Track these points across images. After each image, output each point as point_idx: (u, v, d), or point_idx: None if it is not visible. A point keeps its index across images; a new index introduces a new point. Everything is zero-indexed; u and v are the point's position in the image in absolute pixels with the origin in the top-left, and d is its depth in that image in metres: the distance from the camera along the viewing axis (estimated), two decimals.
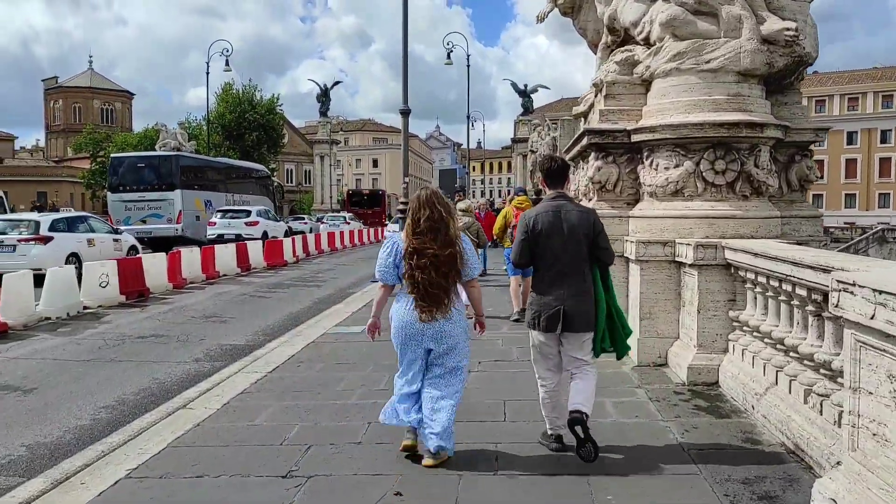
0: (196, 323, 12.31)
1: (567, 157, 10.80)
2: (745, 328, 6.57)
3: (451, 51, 40.64)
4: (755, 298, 6.39)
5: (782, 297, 5.63)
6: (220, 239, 28.50)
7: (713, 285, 6.92)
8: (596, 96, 9.34)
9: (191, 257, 18.30)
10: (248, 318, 12.87)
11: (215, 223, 31.61)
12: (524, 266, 5.31)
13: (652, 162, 8.06)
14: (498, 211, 20.02)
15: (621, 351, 5.27)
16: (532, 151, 44.65)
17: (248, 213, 32.87)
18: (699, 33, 7.82)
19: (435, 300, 4.66)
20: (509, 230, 11.12)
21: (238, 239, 27.43)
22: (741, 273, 6.61)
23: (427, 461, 4.80)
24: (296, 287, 18.15)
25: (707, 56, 7.71)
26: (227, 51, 42.77)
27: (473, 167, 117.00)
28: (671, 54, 7.88)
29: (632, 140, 8.23)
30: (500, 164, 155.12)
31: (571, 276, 4.98)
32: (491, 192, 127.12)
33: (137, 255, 18.61)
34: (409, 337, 4.76)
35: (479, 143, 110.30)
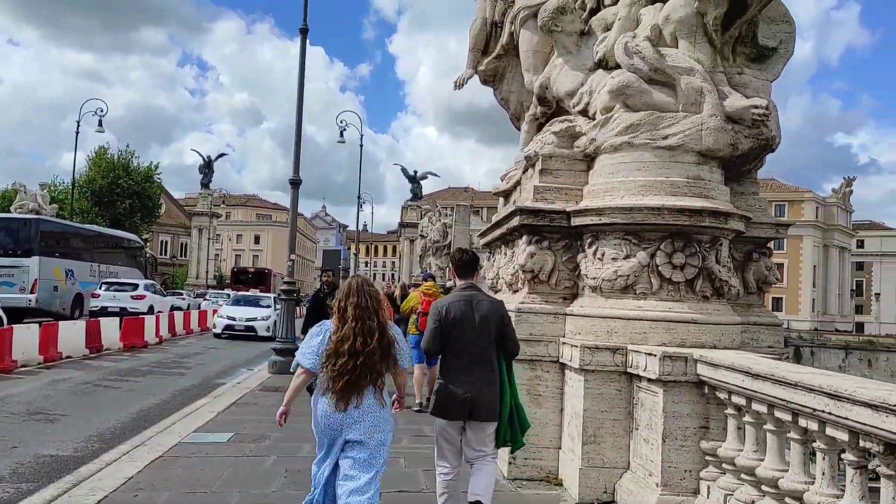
0: (14, 422, 9.76)
1: (484, 241, 9.43)
2: (724, 465, 5.17)
3: (345, 129, 39.53)
4: (741, 430, 5.03)
5: (793, 435, 4.27)
6: (104, 312, 26.49)
7: (682, 408, 5.53)
8: (525, 171, 8.06)
9: (26, 334, 15.42)
10: (85, 415, 10.41)
11: (99, 295, 29.58)
12: (435, 354, 5.32)
13: (597, 251, 6.76)
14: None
15: (517, 444, 5.36)
16: (422, 236, 43.71)
17: (136, 286, 31.36)
18: (654, 105, 6.72)
19: (361, 389, 4.43)
20: (415, 316, 10.86)
21: (123, 313, 25.46)
22: (719, 394, 5.26)
23: None
24: (153, 374, 15.59)
25: (664, 131, 6.58)
26: (102, 111, 39.79)
27: (359, 249, 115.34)
28: (623, 126, 6.72)
29: (572, 223, 6.93)
30: (385, 248, 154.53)
31: (480, 366, 5.05)
32: (375, 275, 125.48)
33: None
34: (329, 426, 4.46)
35: (365, 225, 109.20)
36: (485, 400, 4.98)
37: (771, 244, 7.49)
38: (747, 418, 4.87)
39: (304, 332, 9.77)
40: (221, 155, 79.58)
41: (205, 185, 74.56)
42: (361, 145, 42.64)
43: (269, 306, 28.04)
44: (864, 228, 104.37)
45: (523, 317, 6.95)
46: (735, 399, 4.98)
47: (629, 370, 6.16)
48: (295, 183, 14.77)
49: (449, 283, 30.27)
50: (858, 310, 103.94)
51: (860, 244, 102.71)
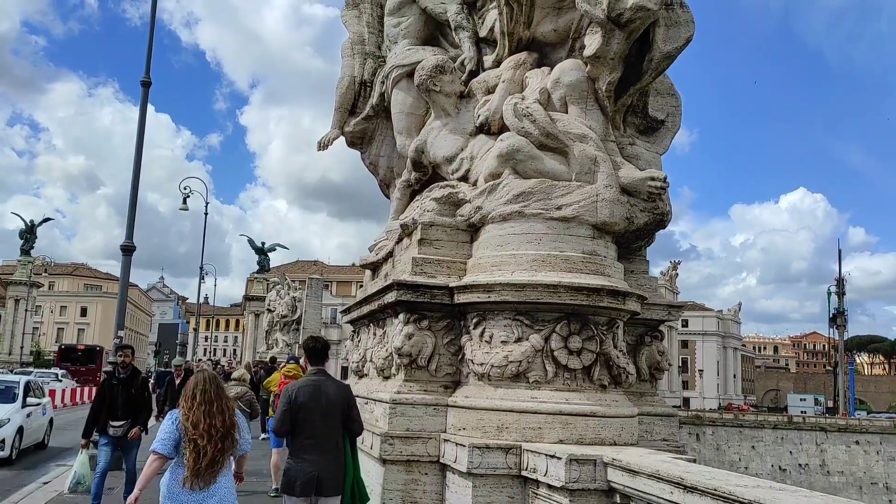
0: None
1: (348, 318, 8.40)
2: None
3: (188, 196, 37.23)
4: None
5: None
6: None
7: None
8: (400, 242, 7.19)
9: None
10: None
11: None
12: (285, 435, 5.52)
13: (484, 332, 5.94)
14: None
15: None
16: (269, 310, 41.49)
17: None
18: (546, 172, 6.12)
19: (208, 470, 4.69)
20: (271, 397, 10.99)
21: None
22: None
23: None
24: None
25: (558, 200, 5.98)
26: None
27: (199, 323, 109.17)
28: (513, 194, 6.04)
29: (455, 301, 6.10)
30: (227, 322, 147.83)
31: (326, 446, 5.28)
32: (216, 350, 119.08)
33: None
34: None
35: (206, 298, 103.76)
36: (330, 477, 5.24)
37: (663, 327, 7.01)
38: None
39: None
40: (47, 220, 73.01)
41: (25, 251, 67.97)
42: (206, 213, 40.28)
43: (12, 400, 14.80)
44: (687, 309, 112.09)
45: (398, 409, 5.96)
46: None
47: (524, 473, 5.29)
48: (127, 249, 13.04)
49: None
50: (685, 385, 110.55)
51: (685, 323, 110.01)
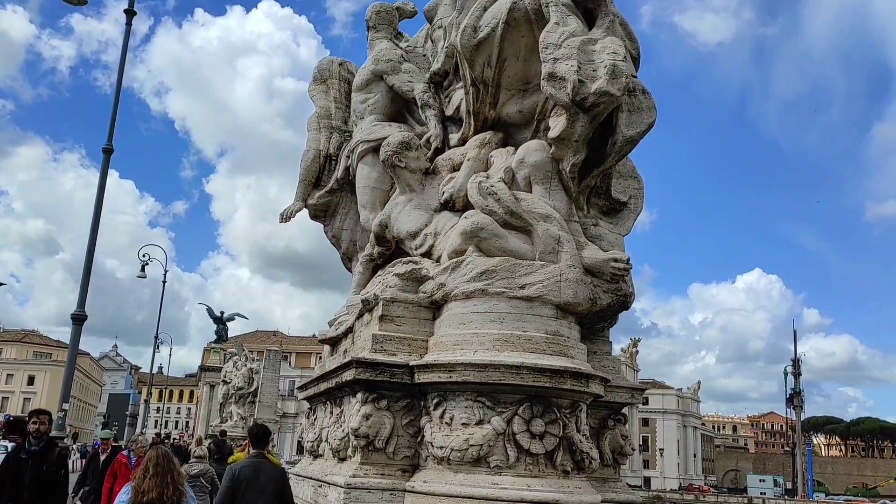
0: None
1: (304, 395, 8.14)
2: None
3: (147, 263, 36.62)
4: None
5: None
6: None
7: None
8: (361, 317, 7.04)
9: None
10: None
11: None
12: None
13: (444, 414, 5.77)
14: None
15: None
16: (224, 382, 40.35)
17: None
18: (510, 251, 6.09)
19: None
20: None
21: None
22: None
23: None
24: None
25: (522, 280, 5.92)
26: None
27: (150, 393, 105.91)
28: (477, 272, 5.98)
29: (416, 380, 5.94)
30: (182, 393, 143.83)
31: None
32: (168, 422, 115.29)
33: None
34: None
35: (161, 368, 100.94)
36: None
37: (626, 410, 6.90)
38: None
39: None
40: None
41: None
42: (164, 281, 39.57)
43: None
44: (647, 387, 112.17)
45: (353, 494, 5.69)
46: None
47: None
48: (78, 318, 12.60)
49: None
50: (645, 464, 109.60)
51: (645, 401, 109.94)
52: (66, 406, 12.33)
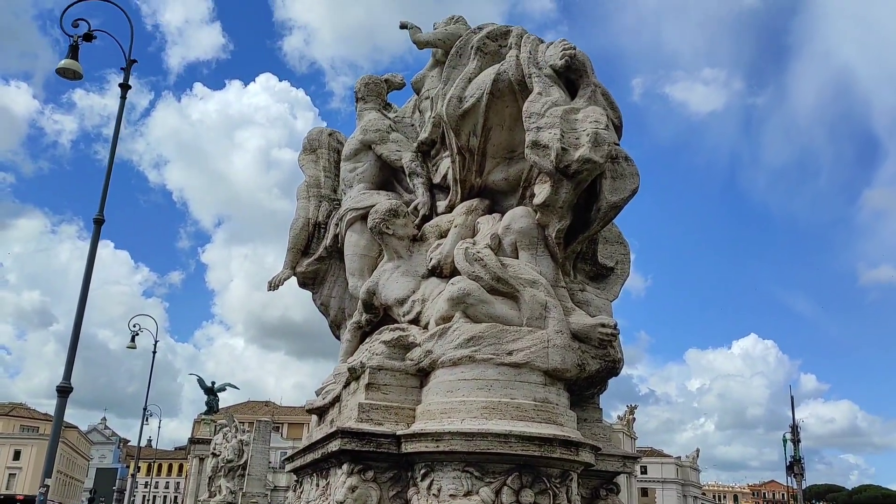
0: None
1: (291, 467, 7.98)
2: None
3: (137, 334, 36.33)
4: None
5: None
6: None
7: None
8: (347, 386, 6.95)
9: None
10: None
11: None
12: None
13: (432, 485, 5.64)
14: None
15: None
16: (214, 454, 39.49)
17: None
18: (497, 317, 6.07)
19: None
20: None
21: None
22: None
23: None
24: None
25: (509, 346, 5.88)
26: None
27: (139, 467, 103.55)
28: (464, 338, 5.94)
29: (402, 450, 5.82)
30: (170, 467, 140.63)
31: None
32: (155, 497, 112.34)
33: None
34: None
35: (150, 441, 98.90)
36: None
37: (619, 479, 6.76)
38: None
39: None
40: None
41: None
42: (154, 352, 39.26)
43: None
44: (646, 455, 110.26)
45: None
46: None
47: None
48: (64, 390, 12.43)
49: None
50: None
51: (643, 470, 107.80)
52: (48, 482, 12.02)
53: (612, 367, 6.25)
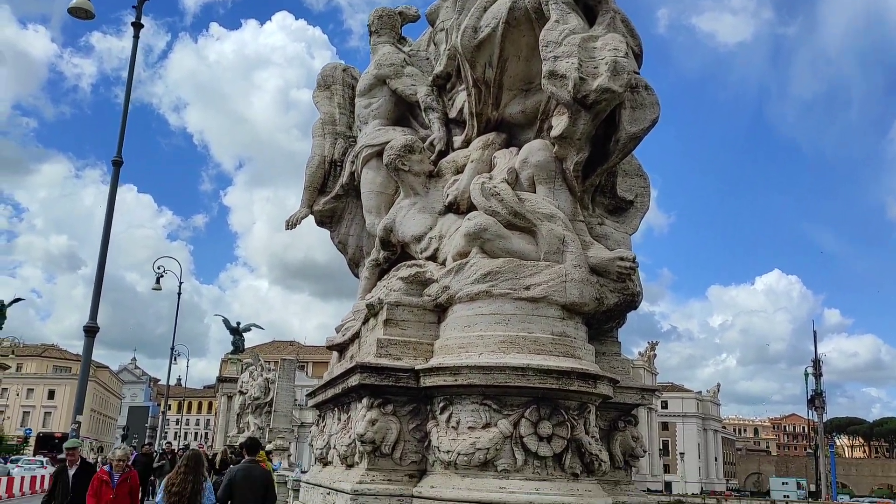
0: None
1: (313, 402, 8.10)
2: None
3: (162, 276, 36.85)
4: None
5: None
6: None
7: None
8: (366, 322, 6.99)
9: None
10: None
11: None
12: (223, 501, 7.96)
13: (450, 418, 5.70)
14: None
15: None
16: (241, 392, 40.45)
17: None
18: (514, 251, 6.02)
19: None
20: None
21: None
22: None
23: None
24: None
25: (526, 280, 5.85)
26: None
27: (170, 405, 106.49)
28: (481, 273, 5.92)
29: (421, 384, 5.87)
30: (199, 404, 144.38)
31: None
32: (186, 434, 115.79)
33: None
34: None
35: (179, 380, 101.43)
36: None
37: (640, 411, 6.80)
38: None
39: None
40: (17, 300, 71.54)
41: None
42: (179, 293, 39.88)
43: None
44: (667, 390, 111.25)
45: (360, 501, 5.63)
46: None
47: None
48: (91, 330, 12.66)
49: (269, 447, 27.77)
50: (666, 469, 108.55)
51: (664, 405, 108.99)
52: (79, 418, 12.36)
53: (631, 301, 6.21)
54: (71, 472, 9.84)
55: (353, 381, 6.03)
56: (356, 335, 7.37)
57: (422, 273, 6.44)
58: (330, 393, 7.15)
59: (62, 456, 10.54)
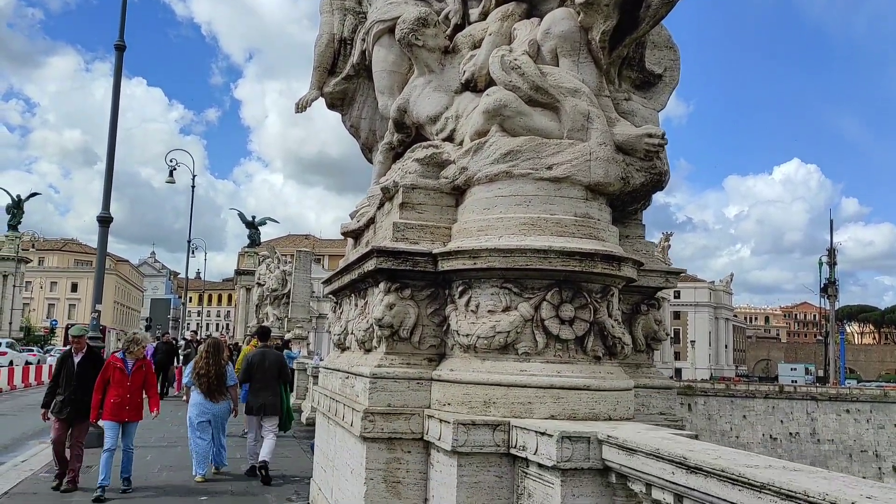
0: None
1: (329, 290, 8.01)
2: None
3: (175, 168, 36.67)
4: None
5: None
6: None
7: (586, 503, 4.36)
8: (381, 207, 6.78)
9: None
10: None
11: None
12: (246, 381, 10.80)
13: (469, 301, 5.56)
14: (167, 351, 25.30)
15: (286, 427, 11.68)
16: (259, 284, 41.04)
17: None
18: (536, 129, 5.69)
19: (212, 392, 10.04)
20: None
21: None
22: (632, 486, 4.15)
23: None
24: None
25: (549, 160, 5.55)
26: None
27: (190, 298, 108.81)
28: (501, 153, 5.62)
29: (439, 268, 5.70)
30: (220, 297, 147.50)
31: (269, 388, 10.73)
32: (208, 325, 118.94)
33: None
34: (201, 411, 10.05)
35: (198, 273, 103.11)
36: (270, 405, 10.58)
37: (659, 295, 6.64)
38: None
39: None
40: (34, 195, 71.99)
41: (13, 227, 67.16)
42: (193, 186, 39.87)
43: None
44: (680, 280, 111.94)
45: (379, 384, 5.59)
46: (659, 495, 3.86)
47: (513, 451, 4.94)
48: (105, 220, 12.57)
49: (287, 336, 28.33)
50: (676, 356, 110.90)
51: (676, 295, 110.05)
52: (98, 307, 12.47)
53: (658, 180, 5.92)
54: (77, 359, 9.53)
55: (370, 265, 5.87)
56: (371, 221, 7.17)
57: (438, 154, 6.14)
58: (346, 279, 7.03)
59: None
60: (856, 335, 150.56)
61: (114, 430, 8.95)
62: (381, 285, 5.79)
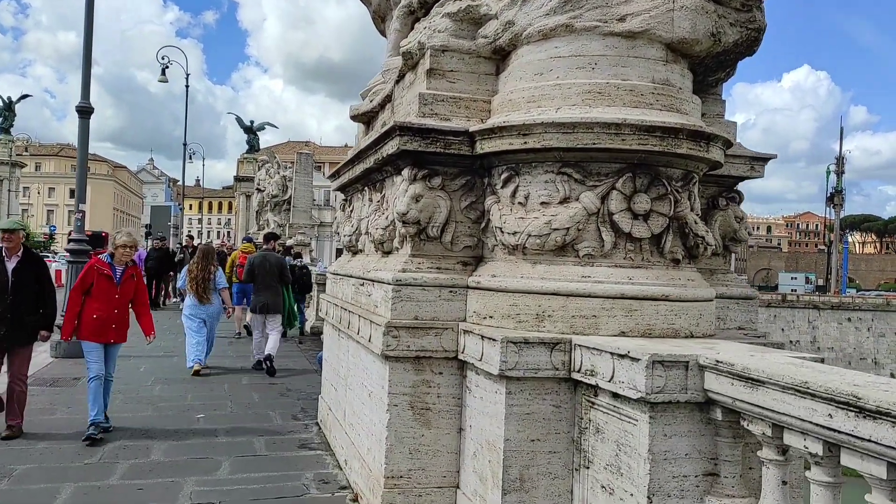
0: None
1: (337, 184, 6.90)
2: None
3: (167, 67, 34.84)
4: (789, 487, 2.96)
5: None
6: None
7: (679, 444, 3.38)
8: (402, 79, 5.56)
9: None
10: None
11: None
12: (249, 283, 11.64)
13: (517, 192, 4.45)
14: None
15: (290, 326, 13.48)
16: (259, 190, 39.80)
17: None
18: None
19: (203, 294, 10.67)
20: (235, 268, 14.08)
21: None
22: (748, 426, 3.15)
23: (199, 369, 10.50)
24: None
25: (620, 9, 4.32)
26: None
27: (190, 205, 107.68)
28: (557, 1, 4.38)
29: (477, 151, 4.57)
30: (220, 204, 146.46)
31: (271, 288, 11.40)
32: (209, 233, 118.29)
33: None
34: (193, 313, 10.70)
35: (197, 180, 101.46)
36: (273, 304, 11.37)
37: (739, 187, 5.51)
38: (821, 475, 2.77)
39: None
40: (25, 96, 69.47)
41: (5, 130, 65.20)
42: (187, 85, 38.08)
43: None
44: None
45: (404, 292, 4.55)
46: (796, 441, 2.86)
47: (575, 376, 3.95)
48: (84, 111, 11.30)
49: (289, 242, 27.42)
50: None
51: None
52: (82, 207, 11.41)
53: (754, 40, 4.68)
54: (10, 265, 6.89)
55: (390, 148, 4.72)
56: (388, 98, 5.96)
57: (475, 7, 4.88)
58: (359, 169, 5.89)
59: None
60: (857, 244, 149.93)
61: (97, 352, 7.12)
62: (406, 172, 4.67)
